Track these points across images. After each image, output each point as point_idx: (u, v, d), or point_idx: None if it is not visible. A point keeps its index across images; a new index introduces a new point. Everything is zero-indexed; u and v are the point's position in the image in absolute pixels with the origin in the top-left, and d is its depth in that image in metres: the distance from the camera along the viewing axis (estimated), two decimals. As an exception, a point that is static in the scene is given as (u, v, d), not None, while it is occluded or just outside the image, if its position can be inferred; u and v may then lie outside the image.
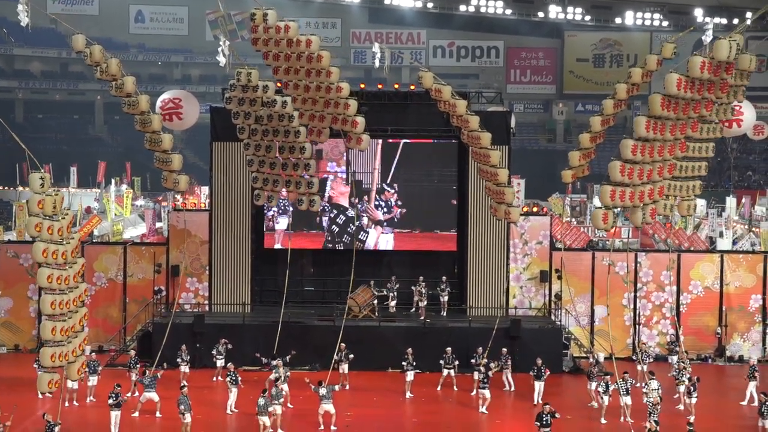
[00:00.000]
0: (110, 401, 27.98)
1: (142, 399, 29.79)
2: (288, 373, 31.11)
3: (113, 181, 65.01)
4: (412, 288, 38.45)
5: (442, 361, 33.62)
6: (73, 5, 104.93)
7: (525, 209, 40.32)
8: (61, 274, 24.75)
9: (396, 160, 39.79)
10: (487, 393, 30.85)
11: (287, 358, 32.22)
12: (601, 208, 27.21)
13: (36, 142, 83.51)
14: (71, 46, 32.42)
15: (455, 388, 33.48)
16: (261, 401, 27.68)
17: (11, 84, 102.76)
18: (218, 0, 31.24)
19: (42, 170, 24.30)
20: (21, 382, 33.21)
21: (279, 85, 33.57)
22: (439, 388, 33.48)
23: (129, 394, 30.87)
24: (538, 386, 31.64)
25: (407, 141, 39.74)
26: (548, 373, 31.72)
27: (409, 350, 33.25)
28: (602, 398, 30.33)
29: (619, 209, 28.15)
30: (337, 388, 29.56)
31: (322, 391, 28.77)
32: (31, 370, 32.17)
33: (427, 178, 39.99)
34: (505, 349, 33.84)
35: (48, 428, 24.89)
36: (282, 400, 28.75)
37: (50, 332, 24.69)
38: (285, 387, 29.65)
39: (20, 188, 70.17)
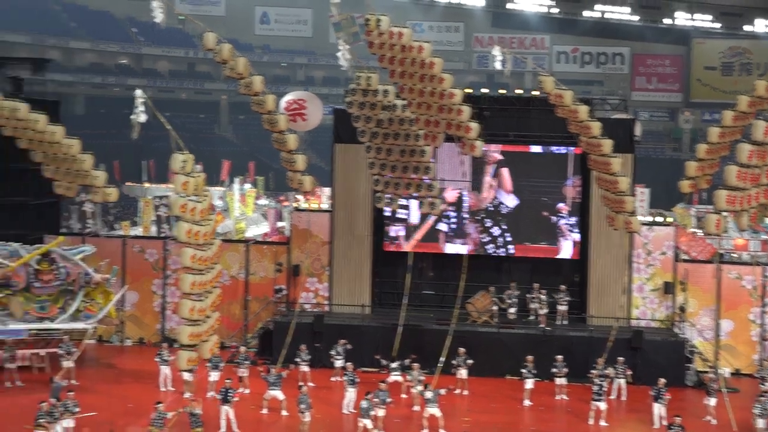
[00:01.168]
0: (219, 396, 28.52)
1: (267, 396, 30.18)
2: (422, 377, 31.10)
3: (237, 180, 65.81)
4: (527, 296, 38.18)
5: (554, 370, 33.42)
6: (200, 6, 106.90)
7: (649, 219, 39.64)
8: (201, 255, 25.80)
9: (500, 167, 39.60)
10: (602, 405, 30.41)
11: (406, 361, 32.40)
12: (717, 213, 26.79)
13: (162, 140, 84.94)
14: (200, 45, 33.08)
15: (565, 397, 33.12)
16: (364, 404, 27.80)
17: (140, 82, 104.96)
18: (331, 6, 31.43)
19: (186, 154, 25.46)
20: (144, 375, 34.21)
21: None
22: (557, 397, 33.21)
23: (236, 390, 31.41)
24: (657, 409, 30.32)
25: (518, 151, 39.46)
26: (669, 397, 30.53)
27: (529, 358, 33.01)
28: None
29: (727, 214, 27.69)
30: (443, 391, 29.50)
31: (428, 394, 28.79)
32: (153, 363, 33.06)
33: (533, 189, 39.66)
34: (622, 358, 33.44)
35: (158, 418, 25.38)
36: (385, 403, 28.59)
37: (188, 311, 25.75)
38: (429, 395, 29.20)
39: (146, 185, 71.69)
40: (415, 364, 31.68)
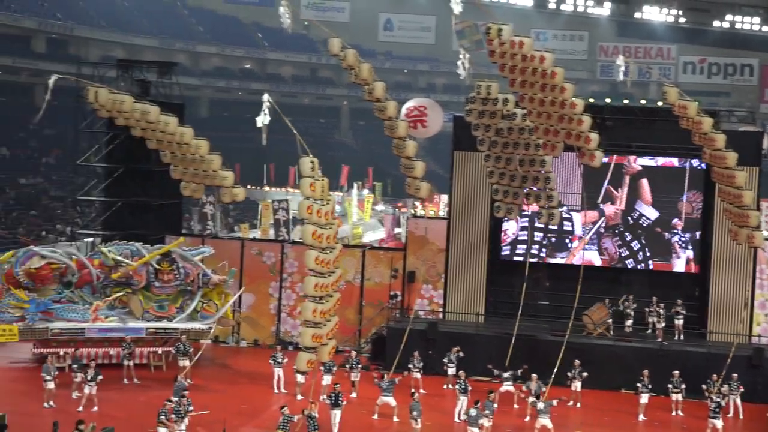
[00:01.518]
0: (329, 401, 28.68)
1: (379, 402, 30.25)
2: (544, 388, 30.80)
3: (355, 185, 66.27)
4: (646, 309, 37.60)
5: (669, 385, 32.84)
6: (325, 12, 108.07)
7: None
8: (324, 257, 26.18)
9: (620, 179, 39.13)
10: (718, 423, 29.64)
11: (519, 371, 32.19)
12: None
13: (284, 144, 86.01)
14: (324, 51, 33.38)
15: (680, 413, 32.56)
16: (473, 412, 27.64)
17: (263, 87, 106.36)
18: (453, 15, 31.30)
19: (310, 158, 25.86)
20: (258, 376, 34.58)
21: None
22: (673, 413, 32.60)
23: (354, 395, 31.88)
24: None
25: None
26: None
27: (646, 372, 32.44)
28: None
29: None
30: (555, 402, 29.14)
31: (540, 405, 28.55)
32: (267, 365, 33.45)
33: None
34: (735, 375, 32.72)
35: (285, 421, 25.61)
36: (492, 412, 28.37)
37: (311, 313, 26.09)
38: (540, 405, 28.83)
39: (266, 188, 72.67)
40: (533, 375, 31.39)
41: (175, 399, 26.52)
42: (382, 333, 38.01)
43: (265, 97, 29.42)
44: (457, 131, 38.97)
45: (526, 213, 38.40)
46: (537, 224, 38.47)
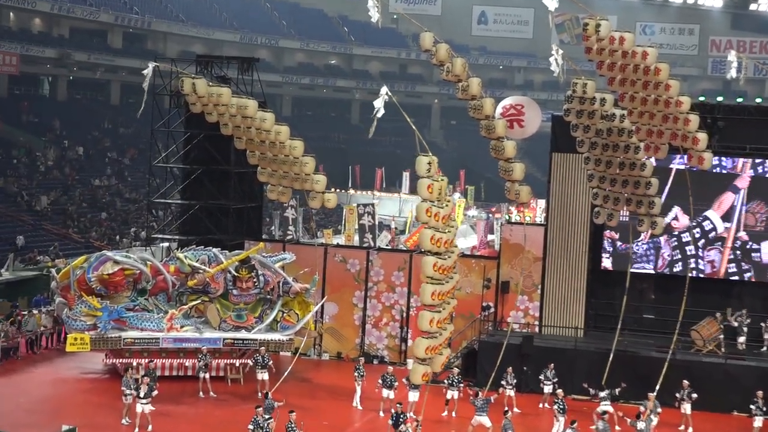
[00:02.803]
0: (390, 421, 28.32)
1: (474, 422, 29.80)
2: (659, 409, 30.04)
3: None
4: (761, 325, 36.92)
5: (752, 407, 31.73)
6: (415, 5, 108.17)
7: None
8: (442, 263, 26.31)
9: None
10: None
11: (616, 390, 31.62)
12: None
13: (370, 145, 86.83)
14: (415, 45, 33.35)
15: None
16: (569, 432, 27.38)
17: (349, 84, 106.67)
18: (549, 9, 30.89)
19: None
20: (341, 391, 34.60)
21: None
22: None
23: (445, 413, 31.80)
24: None
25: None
26: None
27: (760, 393, 31.55)
28: None
29: None
30: (654, 421, 28.74)
31: (640, 425, 28.00)
32: (350, 379, 33.45)
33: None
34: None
35: None
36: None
37: (428, 323, 26.14)
38: (641, 426, 28.29)
39: (351, 191, 72.95)
40: (650, 394, 30.52)
41: (267, 416, 26.62)
42: (474, 347, 37.80)
43: (384, 90, 29.55)
44: (555, 131, 38.66)
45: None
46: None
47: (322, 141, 79.09)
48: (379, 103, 29.07)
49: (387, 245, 49.68)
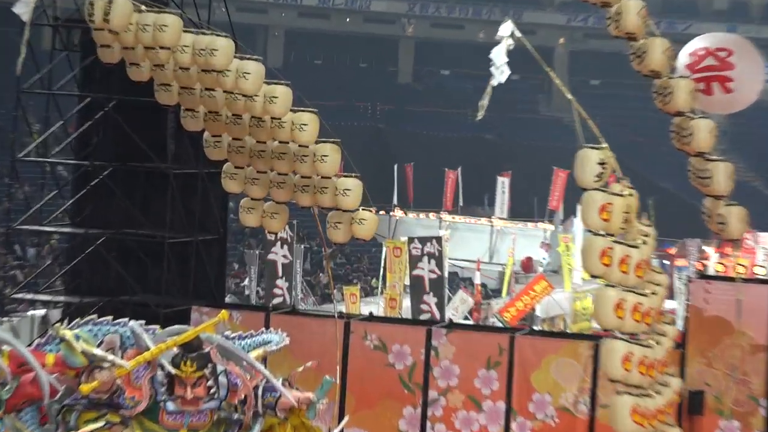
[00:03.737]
0: None
1: None
2: None
3: (579, 208, 66.50)
4: None
5: None
6: None
7: None
8: (647, 356, 27.15)
9: None
10: None
11: None
12: None
13: (433, 122, 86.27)
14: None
15: None
16: None
17: (394, 7, 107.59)
18: None
19: None
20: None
21: None
22: None
23: None
24: None
25: None
26: None
27: None
28: None
29: None
30: None
31: None
32: None
33: None
34: None
35: None
36: None
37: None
38: None
39: (396, 213, 73.33)
40: None
41: None
42: None
43: (508, 27, 29.63)
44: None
45: None
46: None
47: (341, 113, 79.20)
48: (499, 56, 28.91)
49: (466, 317, 49.54)
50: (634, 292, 26.28)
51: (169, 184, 40.71)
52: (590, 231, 26.50)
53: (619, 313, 26.00)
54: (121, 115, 40.05)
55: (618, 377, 26.43)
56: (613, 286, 26.12)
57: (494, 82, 29.45)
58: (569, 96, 27.66)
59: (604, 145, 26.55)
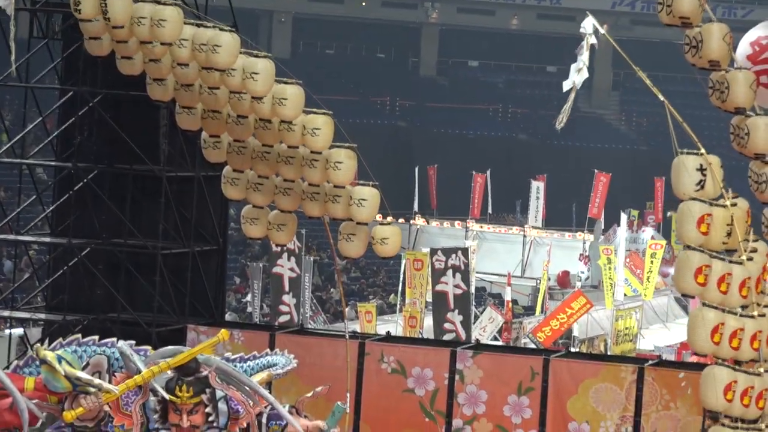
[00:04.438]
0: None
1: None
2: None
3: (623, 217, 66.62)
4: None
5: None
6: None
7: None
8: (750, 385, 27.13)
9: None
10: None
11: None
12: None
13: (455, 119, 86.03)
14: None
15: None
16: None
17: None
18: None
19: None
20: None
21: None
22: None
23: None
24: None
25: None
26: None
27: None
28: None
29: None
30: None
31: None
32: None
33: None
34: None
35: None
36: None
37: None
38: None
39: (418, 221, 73.30)
40: None
41: None
42: None
43: (590, 22, 29.69)
44: None
45: None
46: None
47: (355, 110, 79.30)
48: (582, 54, 29.09)
49: (494, 338, 49.56)
50: (735, 314, 26.11)
51: (161, 188, 40.76)
52: (688, 246, 26.39)
53: (715, 338, 25.90)
54: (108, 111, 39.93)
55: (718, 408, 26.37)
56: (714, 308, 25.88)
57: (568, 83, 29.39)
58: (661, 97, 27.57)
59: (702, 150, 26.40)
